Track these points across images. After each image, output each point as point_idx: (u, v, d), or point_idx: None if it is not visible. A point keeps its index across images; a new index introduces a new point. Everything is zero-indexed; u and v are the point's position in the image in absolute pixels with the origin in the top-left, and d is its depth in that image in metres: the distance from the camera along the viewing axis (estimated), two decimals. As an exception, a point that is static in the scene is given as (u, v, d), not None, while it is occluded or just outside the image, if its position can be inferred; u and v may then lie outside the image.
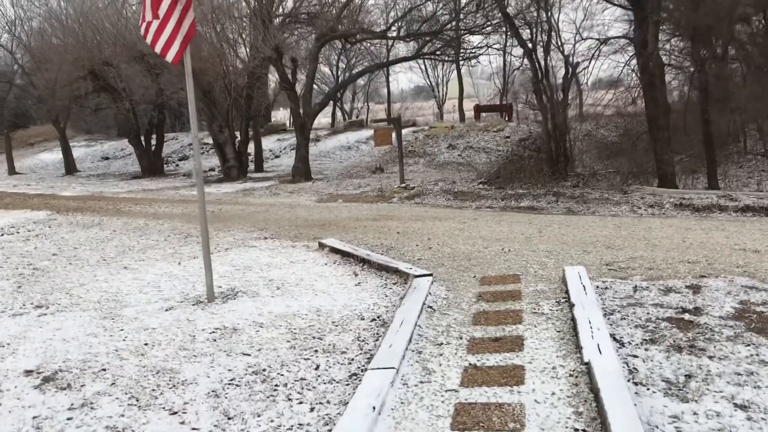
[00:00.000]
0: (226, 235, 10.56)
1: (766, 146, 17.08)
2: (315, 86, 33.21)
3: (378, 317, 5.65)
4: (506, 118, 28.90)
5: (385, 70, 37.88)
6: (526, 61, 16.01)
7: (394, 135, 15.77)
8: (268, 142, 31.49)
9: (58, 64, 24.73)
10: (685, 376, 3.93)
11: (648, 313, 5.13)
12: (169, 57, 6.10)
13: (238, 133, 23.51)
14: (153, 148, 27.74)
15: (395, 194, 15.05)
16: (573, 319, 4.94)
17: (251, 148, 25.80)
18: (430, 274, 6.73)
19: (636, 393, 3.70)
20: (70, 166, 31.00)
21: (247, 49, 22.57)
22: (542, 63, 14.99)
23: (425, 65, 42.93)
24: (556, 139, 14.87)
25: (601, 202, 11.68)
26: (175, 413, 4.03)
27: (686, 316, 5.01)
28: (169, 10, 5.86)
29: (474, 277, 6.77)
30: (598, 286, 5.92)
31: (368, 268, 7.57)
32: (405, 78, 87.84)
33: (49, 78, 25.95)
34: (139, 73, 26.48)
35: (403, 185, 15.37)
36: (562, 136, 14.80)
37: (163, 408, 4.11)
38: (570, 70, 14.86)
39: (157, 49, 6.07)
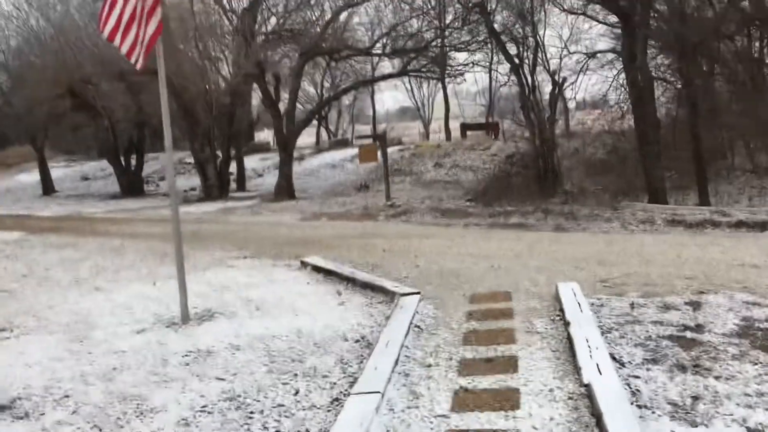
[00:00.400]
0: (204, 255, 10.25)
1: (754, 163, 17.06)
2: (299, 106, 33.11)
3: (362, 338, 5.37)
4: (493, 136, 28.87)
5: (370, 88, 37.84)
6: (512, 77, 15.95)
7: (379, 152, 15.58)
8: (251, 161, 31.20)
9: (36, 82, 24.40)
10: (692, 397, 3.69)
11: (647, 331, 4.90)
12: (133, 60, 5.90)
13: (220, 152, 23.25)
14: (133, 167, 27.33)
15: (381, 212, 14.82)
16: (569, 338, 4.70)
17: (233, 167, 25.54)
18: (418, 293, 6.47)
19: (640, 417, 3.45)
20: (48, 187, 30.51)
21: (230, 67, 22.40)
22: (529, 79, 14.92)
23: (411, 84, 43.00)
24: (544, 155, 14.75)
25: (591, 219, 11.52)
26: (140, 444, 3.73)
27: (688, 334, 4.79)
28: (132, 14, 5.64)
29: (463, 295, 6.51)
30: (593, 303, 5.68)
31: (352, 286, 7.30)
32: (390, 97, 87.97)
33: (27, 96, 25.59)
34: (119, 91, 26.18)
35: (389, 203, 15.15)
36: (549, 153, 14.68)
37: (128, 439, 3.81)
38: (557, 85, 14.78)
39: (123, 51, 5.85)
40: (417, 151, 26.60)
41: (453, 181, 21.74)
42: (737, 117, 15.93)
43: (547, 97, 15.65)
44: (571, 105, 15.02)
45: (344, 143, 31.39)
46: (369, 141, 17.03)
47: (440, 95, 38.12)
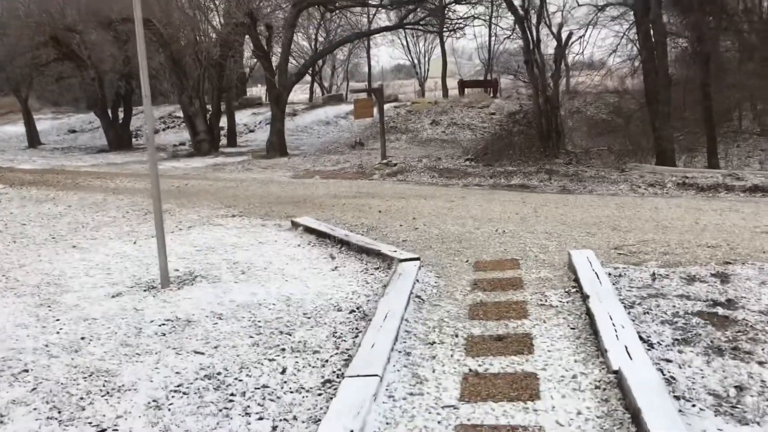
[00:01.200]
0: (190, 212, 9.72)
1: (762, 125, 16.52)
2: (292, 60, 32.15)
3: (358, 308, 4.89)
4: (491, 95, 28.12)
5: (365, 44, 36.83)
6: (516, 31, 15.22)
7: (375, 108, 14.93)
8: (243, 116, 30.39)
9: (19, 29, 23.39)
10: (736, 387, 3.23)
11: (674, 306, 4.43)
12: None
13: (210, 107, 22.49)
14: (121, 120, 26.51)
15: (376, 171, 14.26)
16: (589, 314, 4.22)
17: (224, 122, 24.78)
18: (417, 258, 5.98)
19: (679, 411, 2.98)
20: (33, 139, 29.64)
21: (221, 17, 21.48)
22: (534, 32, 14.20)
23: (407, 40, 41.94)
24: (547, 114, 14.14)
25: (597, 181, 11.01)
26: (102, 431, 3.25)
27: (719, 311, 4.32)
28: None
29: (467, 261, 6.03)
30: (610, 273, 5.20)
31: (347, 250, 6.80)
32: (386, 54, 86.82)
33: (9, 44, 24.57)
34: (105, 40, 25.21)
35: (385, 161, 14.58)
36: (553, 111, 14.08)
37: (90, 423, 3.34)
38: (563, 41, 14.09)
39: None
40: (413, 108, 25.87)
41: (451, 140, 21.12)
42: (747, 77, 15.31)
43: (551, 52, 14.93)
44: (580, 56, 14.31)
45: (338, 99, 30.56)
46: (364, 95, 16.30)
47: (437, 52, 37.14)
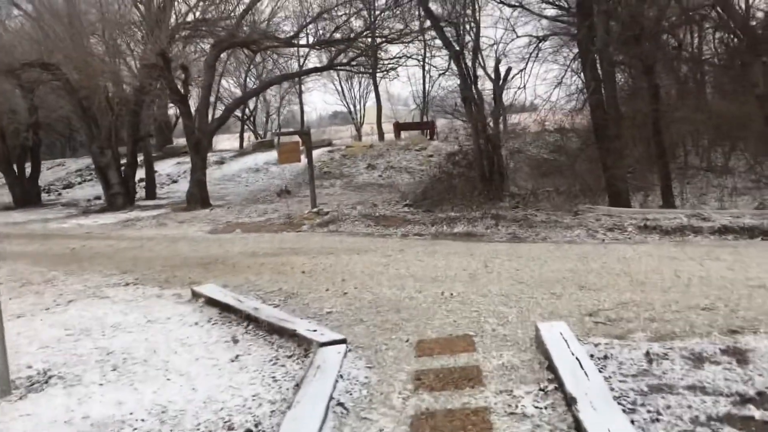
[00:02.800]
0: (76, 282, 8.16)
1: (710, 161, 16.08)
2: (223, 106, 30.84)
3: (256, 426, 3.52)
4: (428, 137, 27.37)
5: (297, 87, 35.84)
6: (451, 66, 14.36)
7: (303, 152, 13.69)
8: (166, 166, 28.69)
9: None
10: None
11: (690, 407, 3.25)
12: None
13: (126, 157, 20.81)
14: (28, 175, 24.43)
15: (306, 221, 12.92)
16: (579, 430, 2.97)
17: (144, 173, 23.10)
18: (343, 341, 4.66)
19: None
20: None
21: (136, 60, 20.01)
22: (471, 68, 13.34)
23: (342, 86, 41.31)
24: (489, 154, 13.20)
25: (549, 226, 9.98)
26: None
27: (754, 412, 3.14)
28: None
29: (407, 341, 4.74)
30: (592, 355, 4.01)
31: (255, 329, 5.43)
32: (320, 98, 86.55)
33: None
34: (7, 90, 23.39)
35: (315, 210, 13.28)
36: (495, 151, 13.14)
37: None
38: (502, 75, 13.27)
39: None
40: (348, 152, 24.78)
41: (388, 185, 20.03)
42: (690, 111, 14.83)
43: (490, 87, 14.11)
44: (518, 98, 13.46)
45: (269, 145, 29.20)
46: (291, 139, 15.05)
47: (373, 97, 36.39)
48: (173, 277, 8.01)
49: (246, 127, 40.08)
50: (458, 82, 14.33)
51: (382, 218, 12.22)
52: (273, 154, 27.20)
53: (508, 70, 13.51)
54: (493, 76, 13.59)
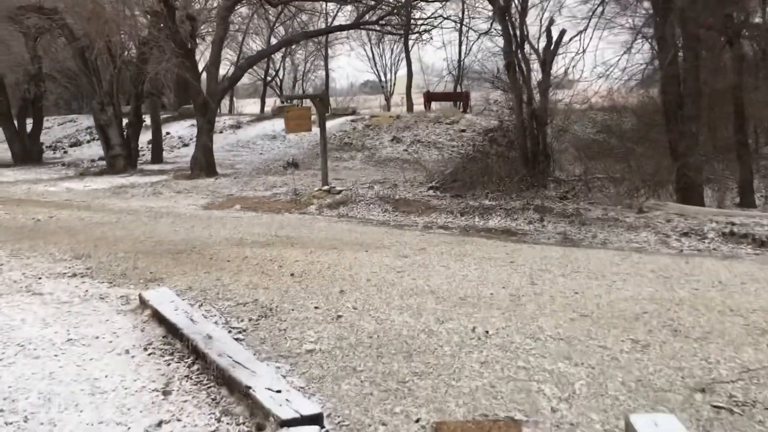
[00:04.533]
0: (17, 266, 6.64)
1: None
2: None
3: None
4: (462, 109, 25.39)
5: (323, 50, 33.93)
6: (494, 25, 12.46)
7: (315, 119, 11.97)
8: (180, 128, 27.18)
9: None
10: None
11: None
12: None
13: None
14: (29, 131, 23.05)
15: (315, 200, 11.26)
16: None
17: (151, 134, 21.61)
18: (318, 417, 3.00)
19: None
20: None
21: (140, 8, 18.30)
22: (518, 26, 11.43)
23: (372, 52, 39.28)
24: (533, 131, 11.33)
25: (608, 225, 8.17)
26: None
27: None
28: None
29: (418, 421, 3.07)
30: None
31: (201, 372, 3.79)
32: (350, 65, 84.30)
33: None
34: (10, 36, 21.91)
35: (327, 188, 11.59)
36: (541, 129, 11.27)
37: None
38: (554, 37, 11.34)
39: None
40: (372, 122, 22.96)
41: (413, 160, 18.23)
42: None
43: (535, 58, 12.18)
44: (577, 65, 11.48)
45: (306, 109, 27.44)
46: (303, 104, 13.27)
47: (404, 65, 34.23)
48: (133, 269, 6.41)
49: (273, 91, 38.42)
50: (501, 45, 12.44)
51: (403, 202, 10.49)
52: (293, 121, 25.53)
53: (562, 32, 11.57)
54: (538, 46, 11.66)
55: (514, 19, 11.47)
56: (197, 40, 17.56)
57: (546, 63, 11.53)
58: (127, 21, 17.04)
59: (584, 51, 10.81)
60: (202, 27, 17.91)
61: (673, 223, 7.99)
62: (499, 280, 5.60)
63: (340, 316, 4.69)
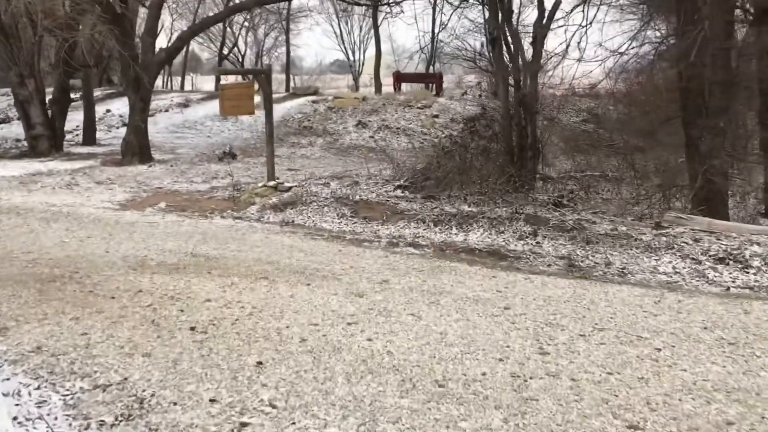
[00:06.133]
0: None
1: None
2: (204, 45, 27.01)
3: None
4: (434, 92, 23.66)
5: (284, 23, 31.84)
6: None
7: (258, 99, 10.13)
8: (123, 105, 24.85)
9: None
10: None
11: None
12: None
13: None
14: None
15: (257, 198, 9.49)
16: None
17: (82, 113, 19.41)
18: None
19: None
20: None
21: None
22: (505, -2, 9.74)
23: (340, 28, 37.34)
24: (521, 121, 9.68)
25: (620, 245, 6.55)
26: None
27: None
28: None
29: None
30: None
31: None
32: (315, 41, 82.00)
33: None
34: None
35: (273, 183, 9.80)
36: (530, 118, 9.62)
37: None
38: (548, 9, 9.67)
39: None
40: (336, 104, 21.10)
41: (380, 149, 16.48)
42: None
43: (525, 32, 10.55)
44: (578, 43, 9.79)
45: (246, 87, 25.40)
46: (241, 80, 11.32)
47: (373, 44, 32.29)
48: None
49: (234, 68, 36.20)
50: (480, 21, 10.75)
51: (364, 205, 8.76)
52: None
53: (557, 3, 9.89)
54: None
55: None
56: (136, 5, 15.47)
57: (537, 40, 9.87)
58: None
59: (589, 24, 9.09)
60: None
61: (703, 244, 6.40)
62: (494, 345, 3.91)
63: (245, 426, 2.97)
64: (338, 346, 3.92)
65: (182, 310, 4.55)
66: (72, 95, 21.78)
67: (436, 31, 27.05)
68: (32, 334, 4.16)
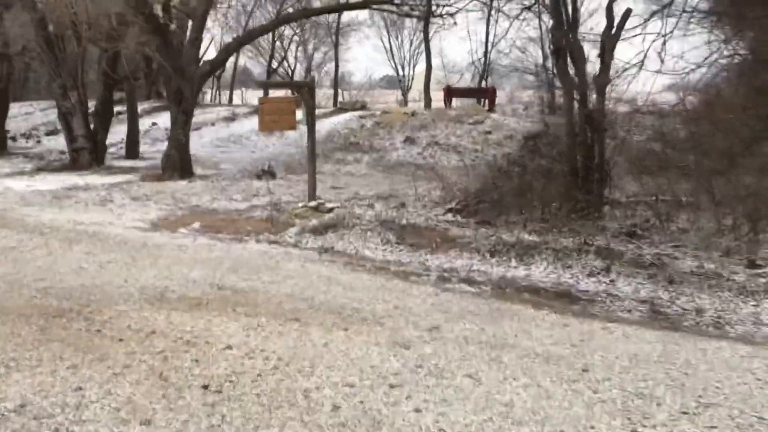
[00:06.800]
0: None
1: None
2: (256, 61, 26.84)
3: None
4: (486, 107, 22.84)
5: (333, 37, 31.51)
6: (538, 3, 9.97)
7: (302, 114, 9.52)
8: (169, 118, 24.78)
9: None
10: None
11: None
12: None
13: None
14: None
15: (297, 219, 8.85)
16: None
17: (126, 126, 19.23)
18: None
19: None
20: None
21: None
22: (569, 5, 8.97)
23: (390, 43, 36.93)
24: (586, 141, 8.84)
25: (708, 286, 5.67)
26: None
27: None
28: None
29: None
30: None
31: None
32: (364, 55, 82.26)
33: None
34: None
35: (314, 204, 9.16)
36: (598, 136, 8.77)
37: None
38: (618, 16, 8.84)
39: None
40: (383, 120, 20.47)
41: (429, 167, 15.76)
42: None
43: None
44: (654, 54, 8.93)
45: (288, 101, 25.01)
46: (283, 94, 10.73)
47: (424, 60, 31.57)
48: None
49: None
50: (531, 35, 9.93)
51: (412, 230, 8.03)
52: (299, 113, 23.13)
53: (627, 12, 9.05)
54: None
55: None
56: (181, 16, 15.15)
57: (605, 50, 9.02)
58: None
59: (668, 35, 8.23)
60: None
61: (815, 289, 5.47)
62: (574, 425, 3.12)
63: None
64: (378, 418, 3.19)
65: (197, 360, 3.89)
66: (119, 108, 21.79)
67: (490, 44, 26.32)
68: (20, 385, 3.56)
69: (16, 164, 17.41)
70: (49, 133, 25.91)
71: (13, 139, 24.19)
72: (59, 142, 24.19)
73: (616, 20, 9.20)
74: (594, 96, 9.05)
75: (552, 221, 7.66)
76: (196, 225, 8.91)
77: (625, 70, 9.03)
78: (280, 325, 4.55)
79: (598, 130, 8.79)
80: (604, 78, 9.05)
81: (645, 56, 8.48)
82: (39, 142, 24.31)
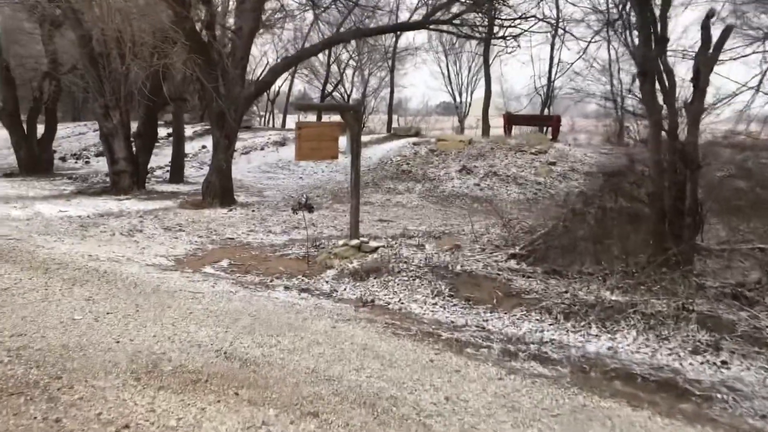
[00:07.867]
0: None
1: None
2: (304, 85, 26.26)
3: None
4: (550, 136, 21.52)
5: (389, 62, 30.67)
6: (624, 15, 8.76)
7: (345, 140, 8.50)
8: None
9: None
10: None
11: None
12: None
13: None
14: (40, 136, 20.46)
15: (336, 260, 7.80)
16: None
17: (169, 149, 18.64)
18: None
19: None
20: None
21: None
22: (659, 20, 7.74)
23: (448, 69, 35.91)
24: (676, 179, 7.53)
25: None
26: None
27: None
28: None
29: None
30: None
31: None
32: (421, 81, 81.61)
33: None
34: (22, 31, 19.66)
35: (356, 242, 8.08)
36: (691, 174, 7.46)
37: None
38: (714, 37, 7.58)
39: None
40: (438, 147, 19.38)
41: (487, 200, 14.58)
42: None
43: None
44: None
45: (330, 126, 24.15)
46: (327, 119, 9.70)
47: (482, 83, 30.42)
48: None
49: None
50: (600, 59, 8.69)
51: (468, 279, 6.86)
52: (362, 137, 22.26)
53: (727, 29, 7.76)
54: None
55: (653, 7, 7.75)
56: (223, 34, 14.45)
57: (701, 74, 7.73)
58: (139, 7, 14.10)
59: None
60: (228, 17, 14.86)
61: None
62: None
63: None
64: None
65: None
66: (169, 130, 21.31)
67: (554, 69, 25.04)
68: None
69: (57, 186, 16.94)
70: (98, 154, 25.66)
71: (63, 159, 24.04)
72: (105, 164, 24.02)
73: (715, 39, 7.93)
74: (686, 127, 7.77)
75: (638, 276, 6.37)
76: (224, 263, 7.94)
77: (737, 94, 7.70)
78: (291, 422, 3.45)
79: (691, 167, 7.48)
80: (698, 106, 7.76)
81: (762, 77, 7.13)
82: (87, 162, 24.08)
